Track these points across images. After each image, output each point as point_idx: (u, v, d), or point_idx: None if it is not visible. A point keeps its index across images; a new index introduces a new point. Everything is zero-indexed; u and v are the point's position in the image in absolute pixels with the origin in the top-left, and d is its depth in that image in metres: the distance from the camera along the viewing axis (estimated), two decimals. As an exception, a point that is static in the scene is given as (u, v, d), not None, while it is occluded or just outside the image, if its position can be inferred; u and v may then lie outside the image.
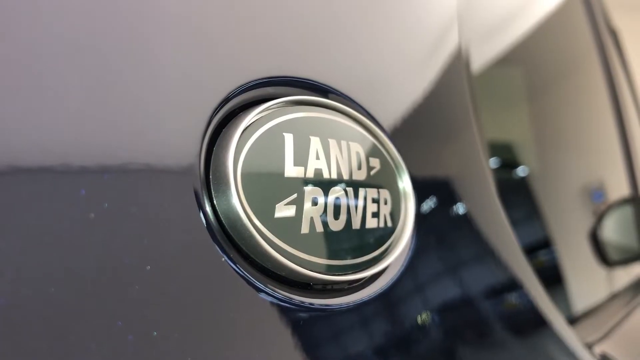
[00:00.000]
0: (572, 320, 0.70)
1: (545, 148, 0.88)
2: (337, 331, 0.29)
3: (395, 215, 0.34)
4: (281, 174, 0.27)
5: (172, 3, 0.27)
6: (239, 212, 0.25)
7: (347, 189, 0.30)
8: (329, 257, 0.29)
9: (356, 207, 0.31)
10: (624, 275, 1.03)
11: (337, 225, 0.30)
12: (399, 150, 0.35)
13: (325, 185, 0.29)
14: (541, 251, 0.75)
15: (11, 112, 0.20)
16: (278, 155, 0.27)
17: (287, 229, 0.27)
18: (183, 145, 0.25)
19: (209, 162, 0.26)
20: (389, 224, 0.33)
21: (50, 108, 0.21)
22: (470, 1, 0.59)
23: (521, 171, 0.79)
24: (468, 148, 0.44)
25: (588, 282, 0.89)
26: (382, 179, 0.33)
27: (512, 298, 0.43)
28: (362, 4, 0.39)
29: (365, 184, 0.32)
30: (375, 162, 0.33)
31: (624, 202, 1.05)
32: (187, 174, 0.25)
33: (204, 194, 0.25)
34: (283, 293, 0.27)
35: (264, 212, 0.26)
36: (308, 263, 0.28)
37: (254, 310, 0.26)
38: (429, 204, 0.38)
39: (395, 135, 0.36)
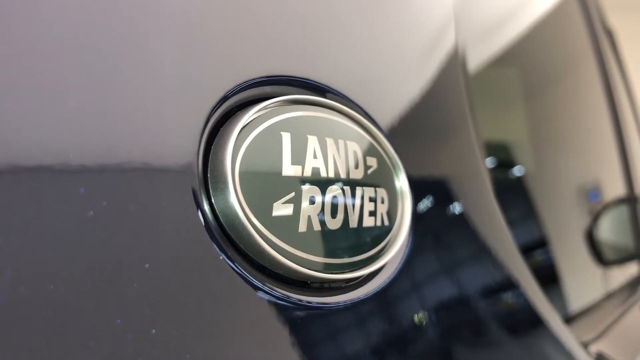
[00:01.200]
0: (568, 320, 0.70)
1: (542, 148, 0.88)
2: (334, 329, 0.29)
3: (392, 214, 0.34)
4: (279, 172, 0.27)
5: (170, 2, 0.27)
6: (237, 210, 0.25)
7: (344, 187, 0.31)
8: (326, 256, 0.29)
9: (353, 205, 0.31)
10: (619, 275, 1.03)
11: (334, 224, 0.30)
12: (396, 150, 0.35)
13: (323, 184, 0.29)
14: (537, 250, 0.75)
15: (10, 111, 0.20)
16: (276, 154, 0.28)
17: (285, 227, 0.27)
18: (181, 144, 0.25)
19: (207, 161, 0.26)
20: (386, 222, 0.33)
21: (49, 107, 0.21)
22: (466, 1, 0.59)
23: (517, 171, 0.79)
24: (465, 147, 0.44)
25: (584, 282, 0.89)
26: (379, 178, 0.33)
27: (509, 297, 0.43)
28: (359, 4, 0.39)
29: (362, 183, 0.32)
30: (372, 161, 0.33)
31: (619, 201, 1.06)
32: (186, 173, 0.25)
33: (202, 193, 0.25)
34: (280, 291, 0.27)
35: (262, 211, 0.26)
36: (305, 261, 0.28)
37: (251, 308, 0.26)
38: (425, 203, 0.38)
39: (393, 134, 0.36)
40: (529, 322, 0.44)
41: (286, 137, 0.28)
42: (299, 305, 0.28)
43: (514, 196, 0.75)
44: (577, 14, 1.04)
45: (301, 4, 0.34)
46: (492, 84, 0.78)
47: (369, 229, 0.32)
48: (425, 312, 0.35)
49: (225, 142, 0.26)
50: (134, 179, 0.23)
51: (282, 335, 0.26)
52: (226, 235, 0.26)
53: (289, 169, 0.28)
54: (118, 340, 0.21)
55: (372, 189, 0.33)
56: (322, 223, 0.29)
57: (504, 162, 0.77)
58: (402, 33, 0.42)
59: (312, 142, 0.29)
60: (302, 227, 0.28)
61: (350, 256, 0.30)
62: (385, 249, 0.33)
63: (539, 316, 0.44)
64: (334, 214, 0.30)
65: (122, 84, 0.23)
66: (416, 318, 0.34)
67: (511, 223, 0.47)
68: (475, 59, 0.65)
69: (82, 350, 0.20)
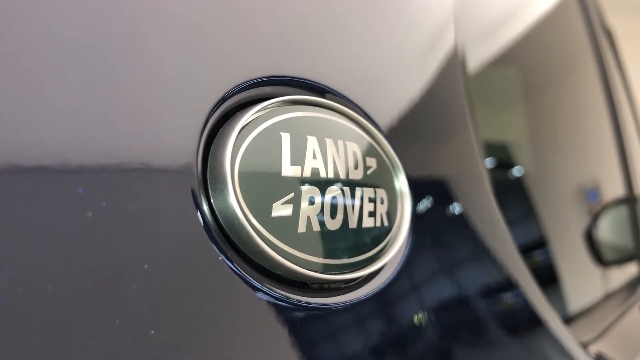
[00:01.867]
0: (568, 320, 0.70)
1: (541, 148, 0.88)
2: (333, 330, 0.29)
3: (391, 214, 0.34)
4: (278, 173, 0.27)
5: (169, 2, 0.27)
6: (236, 211, 0.25)
7: (344, 188, 0.31)
8: (326, 256, 0.29)
9: (353, 206, 0.31)
10: (619, 275, 1.03)
11: (333, 225, 0.30)
12: (396, 150, 0.35)
13: (322, 185, 0.29)
14: (537, 251, 0.75)
15: (9, 111, 0.20)
16: (275, 155, 0.28)
17: (284, 228, 0.27)
18: (180, 144, 0.25)
19: (207, 161, 0.26)
20: (386, 223, 0.33)
21: (49, 107, 0.21)
22: (466, 1, 0.59)
23: (517, 171, 0.79)
24: (464, 148, 0.44)
25: (583, 282, 0.89)
26: (378, 179, 0.33)
27: (508, 298, 0.43)
28: (358, 4, 0.39)
29: (361, 184, 0.32)
30: (371, 162, 0.33)
31: (618, 202, 1.06)
32: (185, 173, 0.25)
33: (202, 193, 0.25)
34: (280, 292, 0.27)
35: (261, 211, 0.26)
36: (305, 262, 0.28)
37: (250, 309, 0.26)
38: (425, 204, 0.38)
39: (392, 134, 0.36)
40: (528, 322, 0.44)
41: (285, 138, 0.28)
42: (298, 306, 0.28)
43: (514, 196, 0.75)
44: (576, 14, 1.04)
45: (300, 4, 0.34)
46: (492, 84, 0.78)
47: (369, 229, 0.32)
48: (425, 313, 0.35)
49: (225, 143, 0.26)
50: (133, 179, 0.23)
51: (281, 336, 0.26)
52: (225, 235, 0.26)
53: (289, 170, 0.28)
54: (117, 341, 0.21)
55: (371, 189, 0.32)
56: (322, 224, 0.29)
57: (504, 162, 0.77)
58: (402, 33, 0.42)
59: (312, 142, 0.29)
60: (302, 228, 0.28)
61: (349, 257, 0.30)
62: (384, 250, 0.33)
63: (538, 316, 0.44)
64: (333, 214, 0.30)
65: (121, 84, 0.23)
66: (416, 319, 0.34)
67: (510, 223, 0.47)
68: (475, 59, 0.65)
69: (82, 350, 0.20)
